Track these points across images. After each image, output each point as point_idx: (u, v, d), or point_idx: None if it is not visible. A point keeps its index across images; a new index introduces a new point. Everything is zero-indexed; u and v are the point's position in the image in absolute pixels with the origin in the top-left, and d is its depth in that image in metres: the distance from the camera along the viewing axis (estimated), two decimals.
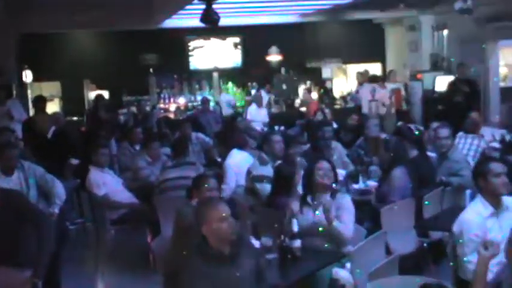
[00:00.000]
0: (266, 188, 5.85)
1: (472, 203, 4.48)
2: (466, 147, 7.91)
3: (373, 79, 13.52)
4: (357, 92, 14.06)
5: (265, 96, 13.71)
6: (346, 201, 4.90)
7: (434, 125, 7.73)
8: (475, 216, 4.24)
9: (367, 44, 15.92)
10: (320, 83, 16.05)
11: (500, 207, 4.31)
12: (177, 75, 15.63)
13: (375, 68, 15.88)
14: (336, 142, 8.11)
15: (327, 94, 15.44)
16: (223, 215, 3.76)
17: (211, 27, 8.94)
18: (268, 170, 6.11)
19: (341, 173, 6.75)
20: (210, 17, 8.09)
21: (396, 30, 15.89)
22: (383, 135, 8.35)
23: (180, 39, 15.21)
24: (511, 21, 11.53)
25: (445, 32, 14.27)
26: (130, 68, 14.66)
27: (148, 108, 13.78)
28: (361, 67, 15.41)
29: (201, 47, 15.66)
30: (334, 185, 4.92)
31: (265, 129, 11.75)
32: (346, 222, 4.75)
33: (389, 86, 13.30)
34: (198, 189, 4.86)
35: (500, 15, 11.72)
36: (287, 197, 5.14)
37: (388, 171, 6.09)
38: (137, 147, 8.94)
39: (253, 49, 15.53)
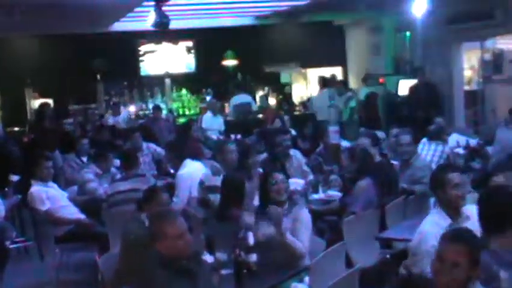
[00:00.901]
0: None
1: (430, 214, 4.55)
2: (430, 154, 8.08)
3: (332, 83, 13.66)
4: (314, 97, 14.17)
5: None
6: (302, 215, 4.92)
7: (395, 131, 7.87)
8: (433, 227, 4.28)
9: (328, 47, 16.10)
10: (279, 88, 16.16)
11: (459, 218, 4.36)
12: (127, 81, 15.53)
13: (335, 72, 16.03)
14: (294, 150, 8.19)
15: (285, 100, 15.54)
16: (180, 231, 3.72)
17: (162, 30, 8.92)
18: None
19: (299, 182, 6.83)
20: (159, 20, 8.08)
21: (358, 32, 16.12)
22: (344, 143, 8.46)
23: (129, 43, 15.13)
24: (474, 22, 11.79)
25: (408, 34, 14.51)
26: (76, 75, 14.49)
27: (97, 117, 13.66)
28: (321, 71, 15.57)
29: (152, 51, 15.61)
30: (285, 197, 4.93)
31: (221, 137, 11.75)
32: (301, 237, 4.77)
33: (366, 90, 13.52)
34: (148, 203, 4.85)
35: (464, 16, 11.98)
36: (239, 209, 5.14)
37: (354, 181, 6.16)
38: (84, 159, 8.87)
39: (207, 53, 15.55)
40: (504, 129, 8.04)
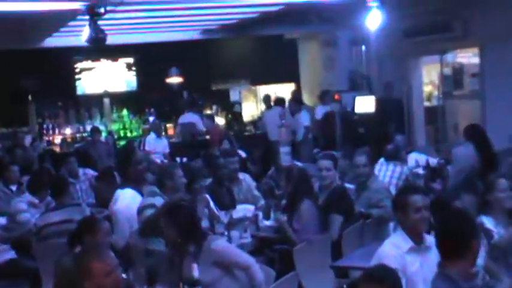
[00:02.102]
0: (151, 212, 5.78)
1: (392, 236, 4.62)
2: (388, 175, 8.17)
3: (283, 101, 13.75)
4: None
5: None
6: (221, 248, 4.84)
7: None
8: (393, 250, 4.32)
9: (279, 62, 16.22)
10: (228, 107, 16.20)
11: (422, 243, 4.42)
12: (62, 102, 15.36)
13: (288, 89, 16.18)
14: (244, 174, 8.21)
15: (235, 119, 15.59)
16: (109, 268, 3.67)
17: (98, 46, 8.87)
18: (159, 201, 6.05)
19: (249, 208, 6.84)
20: (95, 35, 8.02)
21: (311, 46, 16.30)
22: (298, 164, 8.51)
23: (64, 60, 14.98)
24: (432, 35, 12.04)
25: (364, 47, 14.75)
26: (4, 95, 14.27)
27: (27, 142, 13.42)
28: (273, 88, 15.68)
29: (90, 69, 15.51)
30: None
31: (166, 161, 11.71)
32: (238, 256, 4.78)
33: (323, 108, 13.63)
34: (85, 235, 4.76)
35: (421, 29, 12.23)
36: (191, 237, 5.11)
37: (294, 204, 6.21)
38: (14, 188, 8.70)
39: (149, 71, 15.50)
40: (461, 147, 8.21)
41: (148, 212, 5.89)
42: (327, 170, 6.91)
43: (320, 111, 13.94)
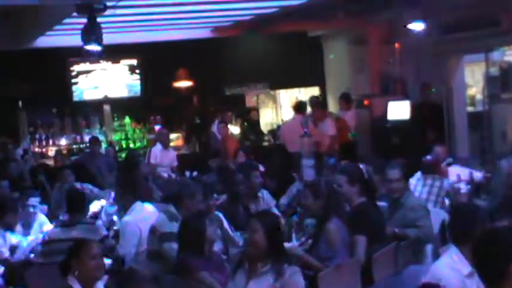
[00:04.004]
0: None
1: (445, 258, 4.60)
2: (425, 191, 8.15)
3: (305, 107, 13.75)
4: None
5: None
6: (295, 280, 4.91)
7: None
8: (453, 272, 4.34)
9: (301, 63, 16.25)
10: (243, 114, 16.24)
11: None
12: (57, 109, 15.48)
13: (312, 94, 16.20)
14: (262, 190, 8.26)
15: (251, 128, 15.62)
16: None
17: (96, 47, 8.96)
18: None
19: None
20: (93, 34, 8.12)
21: (337, 45, 16.32)
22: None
23: (59, 62, 15.11)
24: (476, 30, 12.02)
25: (398, 46, 14.74)
26: None
27: (18, 154, 13.55)
28: (294, 93, 15.72)
29: (88, 72, 15.61)
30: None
31: (174, 175, 11.76)
32: None
33: (343, 115, 13.66)
34: (77, 259, 4.84)
35: (464, 24, 12.22)
36: (197, 259, 5.16)
37: (321, 224, 6.22)
38: None
39: (155, 74, 15.59)
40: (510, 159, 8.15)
41: (168, 245, 6.01)
42: (397, 181, 6.95)
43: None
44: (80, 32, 9.00)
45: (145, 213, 6.99)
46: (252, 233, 4.82)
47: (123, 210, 7.21)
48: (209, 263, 5.21)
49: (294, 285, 4.80)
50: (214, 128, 14.35)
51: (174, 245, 5.90)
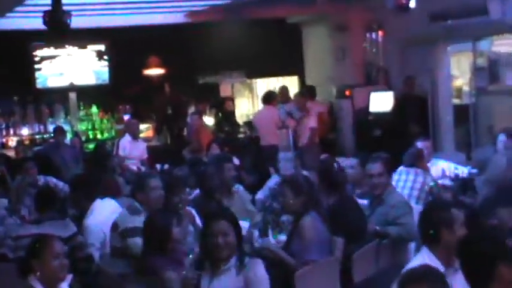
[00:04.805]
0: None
1: (417, 258, 4.67)
2: (408, 186, 8.18)
3: (285, 97, 13.79)
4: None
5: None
6: (257, 272, 4.94)
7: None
8: None
9: (279, 51, 16.26)
10: (217, 104, 16.23)
11: (451, 265, 4.52)
12: (19, 96, 15.37)
13: (290, 83, 16.22)
14: (238, 185, 8.27)
15: (226, 119, 15.62)
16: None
17: (62, 31, 8.89)
18: (141, 221, 6.11)
19: (243, 225, 6.86)
20: (57, 18, 8.04)
21: (318, 32, 16.33)
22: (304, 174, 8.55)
23: (21, 47, 14.99)
24: (464, 18, 12.06)
25: (381, 34, 14.79)
26: None
27: None
28: (272, 82, 15.71)
29: (53, 57, 15.48)
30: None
31: (143, 168, 11.74)
32: None
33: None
34: (36, 260, 4.81)
35: (451, 12, 12.26)
36: (163, 258, 5.16)
37: (298, 220, 6.24)
38: None
39: (125, 60, 15.49)
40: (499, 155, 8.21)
41: (132, 241, 6.02)
42: (378, 176, 6.99)
43: None
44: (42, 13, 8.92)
45: (108, 213, 6.96)
46: (224, 237, 4.80)
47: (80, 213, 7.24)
48: (172, 262, 5.20)
49: (257, 276, 4.87)
50: (189, 118, 14.33)
51: (138, 240, 5.91)
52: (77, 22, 9.67)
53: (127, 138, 12.72)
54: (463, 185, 8.88)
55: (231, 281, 4.79)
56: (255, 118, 14.23)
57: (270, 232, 7.04)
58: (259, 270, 4.92)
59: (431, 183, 8.21)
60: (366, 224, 6.81)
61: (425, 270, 3.72)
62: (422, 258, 4.60)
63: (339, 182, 7.13)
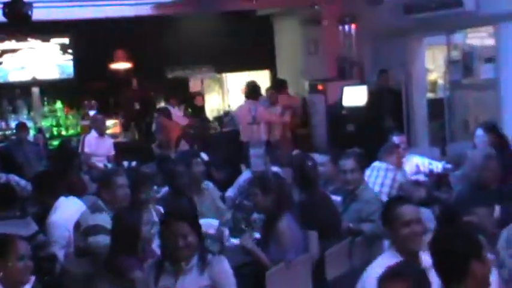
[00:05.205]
0: (105, 240, 5.83)
1: (380, 257, 4.70)
2: (378, 182, 8.19)
3: (254, 92, 13.75)
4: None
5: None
6: (222, 268, 4.94)
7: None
8: (380, 272, 4.38)
9: (250, 44, 16.27)
10: (187, 99, 16.20)
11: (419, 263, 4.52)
12: None
13: (261, 77, 16.23)
14: (207, 182, 8.26)
15: (196, 114, 15.59)
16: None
17: (23, 23, 8.82)
18: (104, 218, 6.10)
19: (213, 223, 6.86)
20: (17, 10, 7.97)
21: (289, 25, 16.34)
22: (275, 170, 8.56)
23: None
24: (438, 10, 12.11)
25: (354, 26, 14.82)
26: None
27: None
28: (243, 77, 15.70)
29: (14, 50, 15.37)
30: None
31: (110, 165, 11.69)
32: None
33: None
34: (1, 260, 4.75)
35: (425, 4, 12.32)
36: (131, 257, 5.14)
37: (272, 222, 6.24)
38: None
39: (90, 54, 15.42)
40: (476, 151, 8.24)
41: (93, 239, 5.99)
42: (351, 172, 7.00)
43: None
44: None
45: (71, 211, 6.91)
46: (184, 239, 4.76)
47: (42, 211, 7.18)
48: (140, 263, 5.18)
49: (222, 274, 4.87)
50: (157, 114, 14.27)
51: (100, 238, 5.89)
52: (39, 14, 9.63)
53: (93, 134, 12.65)
54: (438, 180, 8.94)
55: (195, 281, 4.77)
56: (235, 112, 14.20)
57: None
58: (223, 266, 4.91)
59: (402, 180, 8.22)
60: (340, 221, 6.84)
61: (404, 266, 3.77)
62: (386, 256, 4.64)
63: (312, 178, 7.16)
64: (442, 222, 5.65)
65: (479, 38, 12.80)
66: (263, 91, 13.87)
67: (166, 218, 5.03)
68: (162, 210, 7.03)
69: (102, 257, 5.50)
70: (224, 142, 13.58)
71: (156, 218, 6.56)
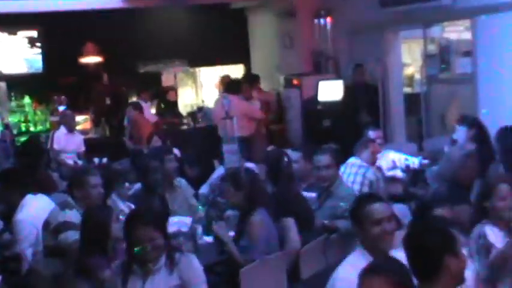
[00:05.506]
0: (74, 236, 5.81)
1: (350, 256, 4.71)
2: (351, 179, 8.14)
3: (234, 86, 13.74)
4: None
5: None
6: (191, 266, 4.94)
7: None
8: (352, 273, 4.20)
9: (224, 38, 16.25)
10: (159, 94, 16.16)
11: None
12: None
13: (236, 72, 16.24)
14: (179, 179, 8.26)
15: (169, 110, 15.56)
16: None
17: None
18: (74, 215, 6.09)
19: (185, 221, 6.87)
20: None
21: (264, 18, 16.34)
22: (249, 165, 8.57)
23: None
24: (415, 3, 12.16)
25: (330, 20, 14.83)
26: None
27: None
28: (217, 71, 15.68)
29: None
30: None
31: (80, 162, 11.65)
32: None
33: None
34: None
35: None
36: (101, 256, 5.13)
37: (245, 216, 6.25)
38: None
39: (59, 48, 15.36)
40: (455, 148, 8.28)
41: (63, 236, 5.98)
42: (326, 168, 7.02)
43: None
44: None
45: (39, 209, 6.88)
46: (151, 242, 4.75)
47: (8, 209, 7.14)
48: (110, 262, 5.16)
49: (191, 272, 4.87)
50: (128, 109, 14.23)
51: (70, 234, 5.88)
52: (6, 6, 9.58)
53: (62, 130, 12.59)
54: (414, 176, 8.99)
55: (164, 281, 4.77)
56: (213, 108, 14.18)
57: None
58: (192, 264, 4.91)
59: (372, 178, 8.20)
60: (313, 217, 6.87)
61: (385, 262, 3.78)
62: (355, 255, 4.66)
63: (287, 175, 7.18)
64: (416, 218, 5.68)
65: (456, 32, 12.88)
66: None
67: (131, 221, 4.98)
68: (133, 207, 7.02)
69: (71, 257, 5.49)
70: (198, 138, 13.56)
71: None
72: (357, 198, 5.35)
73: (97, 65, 15.93)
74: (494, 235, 5.14)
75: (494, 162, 7.70)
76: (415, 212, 6.05)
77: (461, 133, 8.35)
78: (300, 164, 7.89)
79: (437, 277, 3.75)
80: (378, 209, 4.67)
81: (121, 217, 6.08)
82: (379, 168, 8.78)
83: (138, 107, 13.69)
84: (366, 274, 3.61)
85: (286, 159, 7.39)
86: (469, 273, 4.11)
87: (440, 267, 3.75)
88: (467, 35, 12.11)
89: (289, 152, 7.99)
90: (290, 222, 6.45)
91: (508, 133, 7.89)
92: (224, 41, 16.25)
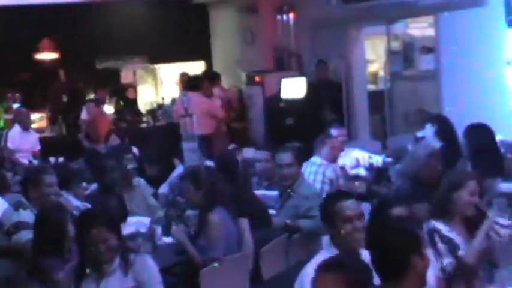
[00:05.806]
0: (28, 236, 5.78)
1: (319, 254, 4.72)
2: (311, 178, 8.09)
3: (190, 84, 13.73)
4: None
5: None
6: (146, 266, 4.92)
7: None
8: None
9: (185, 34, 16.22)
10: (118, 91, 16.10)
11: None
12: None
13: (197, 68, 16.20)
14: (139, 178, 8.23)
15: (128, 107, 15.50)
16: None
17: None
18: (28, 215, 6.05)
19: (144, 221, 6.84)
20: None
21: (225, 14, 16.33)
22: (209, 164, 8.56)
23: None
24: (378, 0, 12.24)
25: (292, 16, 14.85)
26: None
27: None
28: (178, 67, 15.64)
29: None
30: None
31: (35, 161, 11.57)
32: None
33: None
34: None
35: None
36: (56, 257, 5.10)
37: (204, 215, 6.26)
38: None
39: (13, 43, 15.24)
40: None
41: (16, 236, 5.95)
42: (288, 166, 7.02)
43: None
44: None
45: None
46: (104, 243, 4.73)
47: None
48: (65, 263, 5.13)
49: (146, 273, 4.84)
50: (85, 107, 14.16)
51: (23, 234, 5.85)
52: None
53: (16, 129, 12.51)
54: (378, 174, 9.04)
55: (118, 283, 4.75)
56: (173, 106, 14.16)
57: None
58: (147, 264, 4.89)
59: (332, 176, 8.21)
60: (269, 217, 6.89)
61: (341, 260, 3.76)
62: (325, 254, 4.62)
63: (242, 176, 7.21)
64: (374, 217, 5.70)
65: (420, 28, 12.97)
66: None
67: (84, 221, 4.94)
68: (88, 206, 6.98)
69: (25, 258, 5.43)
70: (158, 136, 13.53)
71: None
72: (327, 196, 5.38)
73: (53, 61, 15.83)
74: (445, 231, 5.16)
75: (462, 159, 7.78)
76: (372, 211, 6.06)
77: (427, 131, 8.42)
78: (269, 163, 7.92)
79: (403, 277, 3.76)
80: (349, 206, 4.69)
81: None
82: (343, 167, 8.81)
83: (98, 104, 13.64)
84: (319, 271, 3.60)
85: (241, 159, 7.42)
86: (431, 273, 4.12)
87: (407, 267, 3.76)
88: (430, 32, 12.19)
89: (252, 151, 8.01)
90: (244, 223, 6.46)
91: (475, 130, 7.96)
92: (185, 37, 16.23)
